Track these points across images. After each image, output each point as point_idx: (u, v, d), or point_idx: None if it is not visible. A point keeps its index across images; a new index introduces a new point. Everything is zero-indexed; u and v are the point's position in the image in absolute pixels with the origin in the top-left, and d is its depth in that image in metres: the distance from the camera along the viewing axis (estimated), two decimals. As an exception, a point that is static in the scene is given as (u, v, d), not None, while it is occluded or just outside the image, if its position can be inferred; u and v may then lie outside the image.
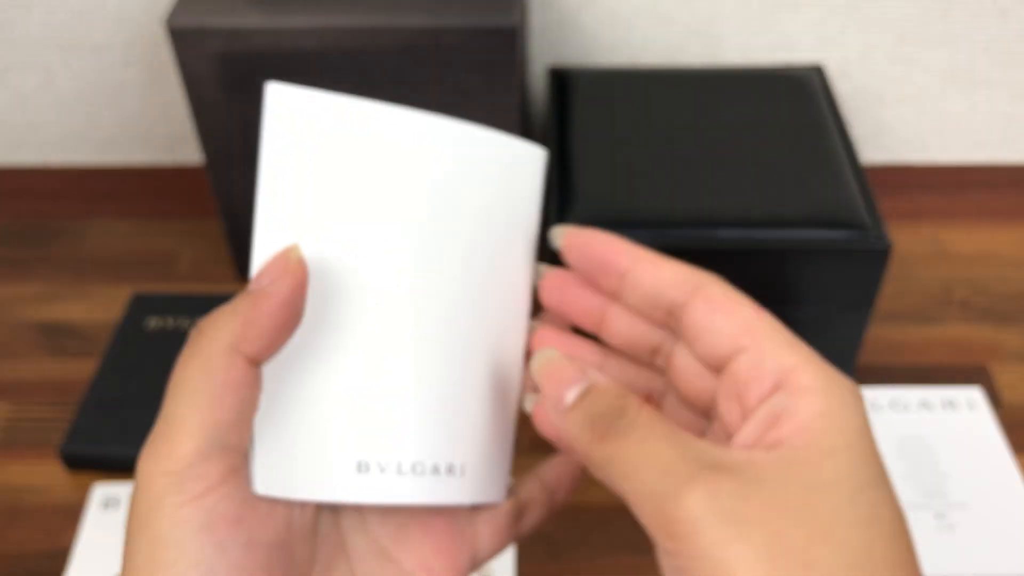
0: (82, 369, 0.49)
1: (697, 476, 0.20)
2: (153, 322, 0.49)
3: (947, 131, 0.61)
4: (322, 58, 0.44)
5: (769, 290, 0.43)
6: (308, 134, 0.25)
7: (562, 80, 0.51)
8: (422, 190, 0.26)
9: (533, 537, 0.41)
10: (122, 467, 0.44)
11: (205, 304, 0.50)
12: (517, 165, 0.28)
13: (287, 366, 0.24)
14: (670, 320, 0.26)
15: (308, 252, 0.24)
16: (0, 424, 0.46)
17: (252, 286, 0.23)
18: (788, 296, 0.43)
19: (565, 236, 0.27)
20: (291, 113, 0.25)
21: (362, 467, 0.24)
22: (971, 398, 0.46)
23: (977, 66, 0.58)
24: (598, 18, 0.56)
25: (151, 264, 0.55)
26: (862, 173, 0.44)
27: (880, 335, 0.50)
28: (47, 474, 0.44)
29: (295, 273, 0.23)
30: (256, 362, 0.22)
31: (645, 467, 0.21)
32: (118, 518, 0.42)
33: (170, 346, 0.48)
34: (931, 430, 0.44)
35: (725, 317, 0.24)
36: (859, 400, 0.22)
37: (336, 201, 0.25)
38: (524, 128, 0.48)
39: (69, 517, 0.42)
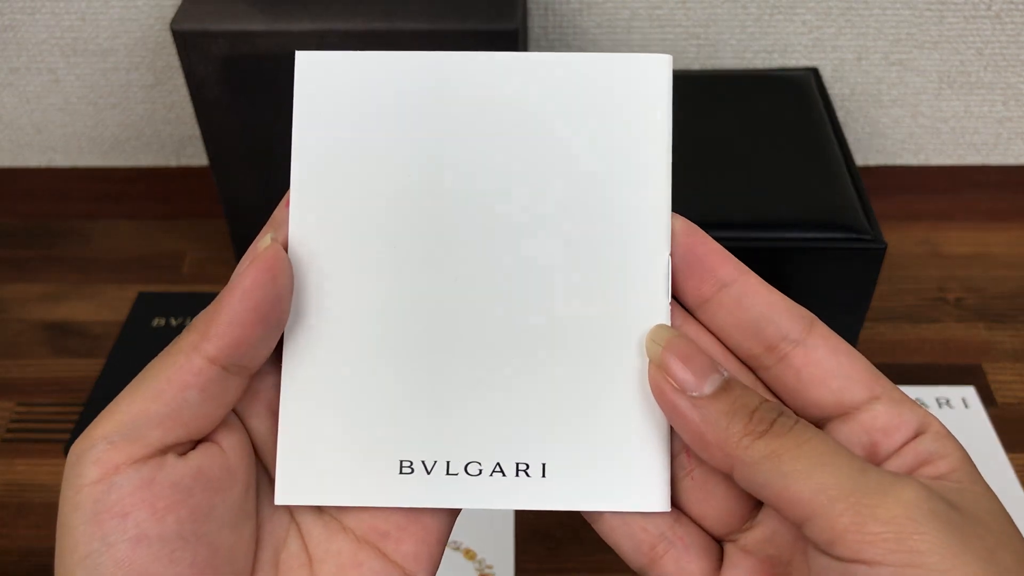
0: (88, 368, 0.49)
1: (900, 477, 0.19)
2: (158, 322, 0.49)
3: (941, 133, 0.61)
4: (325, 62, 0.44)
5: (765, 290, 0.43)
6: (343, 97, 0.22)
7: (561, 83, 0.51)
8: (494, 141, 0.22)
9: (532, 532, 0.41)
10: (128, 464, 0.44)
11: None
12: (628, 89, 0.23)
13: (312, 360, 0.22)
14: (764, 355, 0.22)
15: (345, 231, 0.22)
16: (7, 422, 0.47)
17: (232, 283, 0.21)
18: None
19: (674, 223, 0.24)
20: (323, 79, 0.22)
21: (404, 467, 0.22)
22: (965, 397, 0.46)
23: (971, 69, 0.58)
24: (597, 22, 0.57)
25: (157, 264, 0.56)
26: (857, 175, 0.45)
27: (875, 335, 0.50)
28: (54, 471, 0.44)
29: (275, 272, 0.21)
30: (218, 362, 0.20)
31: (828, 465, 0.19)
32: (124, 515, 0.42)
33: (175, 345, 0.48)
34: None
35: (852, 363, 0.21)
36: None
37: (383, 170, 0.22)
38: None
39: (75, 514, 0.43)
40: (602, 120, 0.22)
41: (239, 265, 0.22)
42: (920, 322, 0.51)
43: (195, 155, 0.63)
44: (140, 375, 0.21)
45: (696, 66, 0.58)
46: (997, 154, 0.62)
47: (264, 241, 0.22)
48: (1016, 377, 0.48)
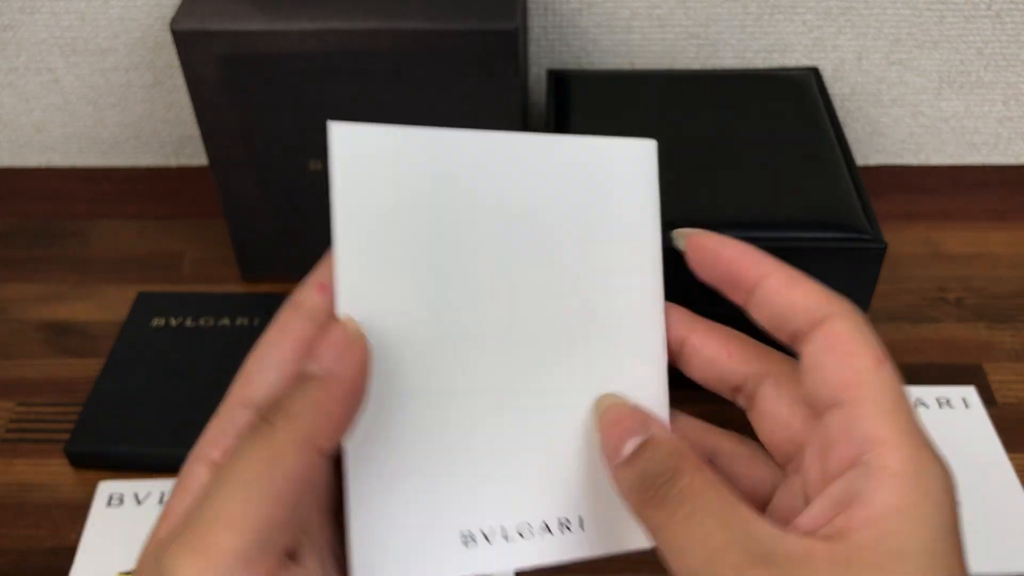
0: (87, 368, 0.49)
1: (745, 570, 0.19)
2: (158, 322, 0.49)
3: (942, 133, 0.61)
4: (324, 60, 0.44)
5: (765, 290, 0.43)
6: (380, 171, 0.24)
7: (561, 82, 0.51)
8: (513, 216, 0.24)
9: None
10: (127, 465, 0.44)
11: (210, 304, 0.51)
12: (620, 168, 0.26)
13: (372, 443, 0.22)
14: (794, 346, 0.23)
15: (391, 304, 0.23)
16: (6, 422, 0.47)
17: (314, 367, 0.20)
18: (784, 296, 0.43)
19: (689, 239, 0.25)
20: (359, 151, 0.25)
21: (466, 538, 0.23)
22: (965, 397, 0.46)
23: (971, 68, 0.58)
24: (597, 21, 0.57)
25: (156, 264, 0.56)
26: (857, 174, 0.45)
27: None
28: (53, 472, 0.44)
29: (359, 351, 0.21)
30: (326, 453, 0.20)
31: (691, 548, 0.20)
32: (124, 515, 0.42)
33: (175, 345, 0.48)
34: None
35: (837, 361, 0.22)
36: (949, 491, 0.20)
37: (421, 240, 0.23)
38: (524, 129, 0.49)
39: (75, 514, 0.42)
40: (598, 198, 0.26)
41: (327, 350, 0.21)
42: (920, 322, 0.51)
43: (195, 155, 0.63)
44: (236, 472, 0.19)
45: (696, 66, 0.58)
46: (997, 154, 0.62)
47: (354, 326, 0.22)
48: (1016, 377, 0.48)
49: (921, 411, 0.46)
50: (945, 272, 0.54)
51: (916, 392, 0.47)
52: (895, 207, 0.58)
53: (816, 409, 0.22)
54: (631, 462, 0.22)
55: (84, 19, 0.57)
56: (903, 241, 0.56)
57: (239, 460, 0.20)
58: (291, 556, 0.20)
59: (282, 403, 0.20)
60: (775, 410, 0.24)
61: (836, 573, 0.18)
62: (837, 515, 0.20)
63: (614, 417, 0.23)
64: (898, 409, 0.21)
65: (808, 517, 0.21)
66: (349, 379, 0.20)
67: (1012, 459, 0.44)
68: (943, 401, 0.46)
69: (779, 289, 0.24)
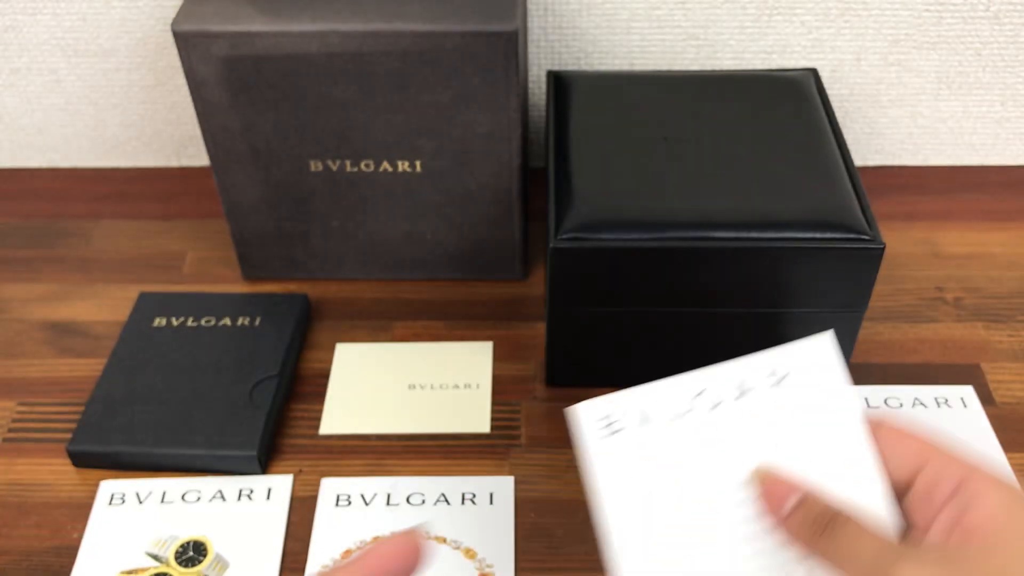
0: (89, 368, 0.49)
1: (905, 554, 0.27)
2: (159, 321, 0.50)
3: (940, 133, 0.62)
4: (325, 62, 0.45)
5: (764, 290, 0.43)
6: (628, 440, 0.30)
7: (561, 83, 0.52)
8: (731, 441, 0.30)
9: (532, 531, 0.41)
10: (129, 464, 0.44)
11: (211, 304, 0.51)
12: (807, 367, 0.31)
13: None
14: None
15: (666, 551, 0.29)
16: (9, 422, 0.47)
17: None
18: (783, 296, 0.44)
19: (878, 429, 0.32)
20: (603, 425, 0.30)
21: None
22: (964, 396, 0.47)
23: (969, 69, 0.59)
24: (596, 23, 0.57)
25: (157, 264, 0.56)
26: (856, 175, 0.45)
27: (873, 334, 0.50)
28: (55, 471, 0.44)
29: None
30: None
31: (861, 551, 0.28)
32: (125, 514, 0.42)
33: (176, 345, 0.48)
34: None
35: (909, 442, 0.30)
36: (1017, 493, 0.28)
37: (671, 488, 0.30)
38: (524, 130, 0.49)
39: (77, 513, 0.43)
40: (798, 400, 0.31)
41: None
42: (919, 322, 0.51)
43: (196, 155, 0.63)
44: None
45: (695, 67, 0.59)
46: (995, 154, 0.62)
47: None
48: (1014, 377, 0.48)
49: (919, 411, 0.46)
50: (943, 272, 0.54)
51: (914, 392, 0.47)
52: (893, 207, 0.58)
53: (905, 483, 0.30)
54: (799, 510, 0.30)
55: (86, 20, 0.57)
56: (901, 241, 0.56)
57: None
58: None
59: None
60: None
61: (973, 554, 0.26)
62: (956, 525, 0.27)
63: (771, 483, 0.30)
64: (967, 457, 0.29)
65: (933, 533, 0.28)
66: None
67: (1011, 458, 0.44)
68: (941, 401, 0.46)
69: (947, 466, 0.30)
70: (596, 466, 0.29)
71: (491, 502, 0.42)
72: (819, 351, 0.31)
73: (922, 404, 0.46)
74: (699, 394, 0.31)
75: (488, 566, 0.40)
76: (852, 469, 0.30)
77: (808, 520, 0.29)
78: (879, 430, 0.31)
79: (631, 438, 0.30)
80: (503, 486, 0.43)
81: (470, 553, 0.41)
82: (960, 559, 0.26)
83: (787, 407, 0.30)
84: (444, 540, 0.41)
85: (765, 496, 0.30)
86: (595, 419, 0.30)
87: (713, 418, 0.30)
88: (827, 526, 0.29)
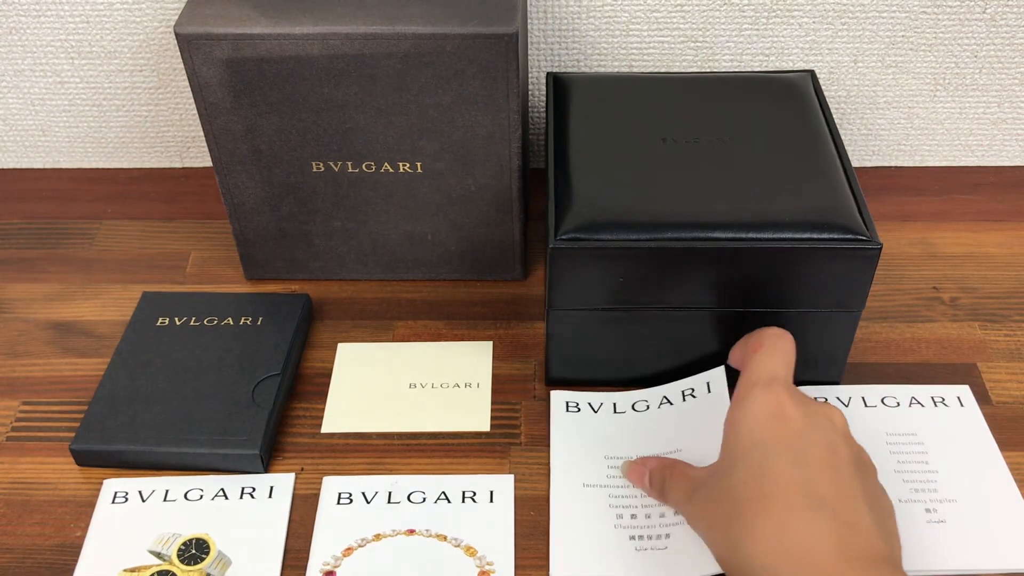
0: (92, 367, 0.50)
1: (700, 481, 0.38)
2: (162, 321, 0.50)
3: (936, 134, 0.62)
4: (327, 64, 0.45)
5: (762, 291, 0.44)
6: (582, 418, 0.47)
7: (561, 85, 0.52)
8: None
9: (532, 529, 0.42)
10: (132, 463, 0.44)
11: (214, 303, 0.51)
12: (713, 388, 0.45)
13: None
14: None
15: None
16: (12, 421, 0.47)
17: None
18: (781, 296, 0.44)
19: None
20: (566, 407, 0.47)
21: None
22: (960, 395, 0.47)
23: (966, 71, 0.59)
24: (596, 25, 0.57)
25: (161, 264, 0.56)
26: (853, 176, 0.45)
27: (870, 334, 0.51)
28: (58, 470, 0.45)
29: None
30: None
31: (681, 490, 0.39)
32: (128, 513, 0.43)
33: (179, 345, 0.49)
34: (921, 426, 0.45)
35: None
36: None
37: None
38: (524, 132, 0.50)
39: (80, 512, 0.43)
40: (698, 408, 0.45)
41: None
42: (915, 322, 0.52)
43: (199, 157, 0.64)
44: None
45: (694, 69, 0.59)
46: (991, 155, 0.63)
47: None
48: (1010, 376, 0.48)
49: (916, 410, 0.46)
50: (940, 272, 0.55)
51: (911, 391, 0.47)
52: (890, 208, 0.59)
53: None
54: (651, 480, 0.41)
55: (89, 22, 0.57)
56: (898, 242, 0.56)
57: None
58: None
59: None
60: None
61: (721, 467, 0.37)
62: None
63: (629, 467, 0.43)
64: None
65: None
66: None
67: (1007, 457, 0.44)
68: (938, 400, 0.47)
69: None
70: (554, 428, 0.45)
71: (491, 500, 0.43)
72: (716, 378, 0.45)
73: (919, 403, 0.46)
74: (635, 402, 0.47)
75: (488, 564, 0.40)
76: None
77: (656, 483, 0.40)
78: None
79: (583, 417, 0.46)
80: (503, 484, 0.43)
81: (470, 551, 0.41)
82: (715, 475, 0.37)
83: (688, 412, 0.45)
84: (444, 538, 0.41)
85: (630, 478, 0.42)
86: (563, 401, 0.46)
87: (640, 415, 0.46)
88: (664, 482, 0.40)
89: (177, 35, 0.44)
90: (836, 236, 0.42)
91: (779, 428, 0.35)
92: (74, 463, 0.45)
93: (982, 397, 0.47)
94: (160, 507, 0.43)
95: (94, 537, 0.42)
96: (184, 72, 0.58)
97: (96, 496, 0.43)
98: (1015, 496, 0.42)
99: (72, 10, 0.57)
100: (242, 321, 0.50)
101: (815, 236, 0.42)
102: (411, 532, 0.42)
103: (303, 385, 0.49)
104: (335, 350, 0.50)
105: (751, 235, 0.42)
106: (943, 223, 0.58)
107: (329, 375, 0.49)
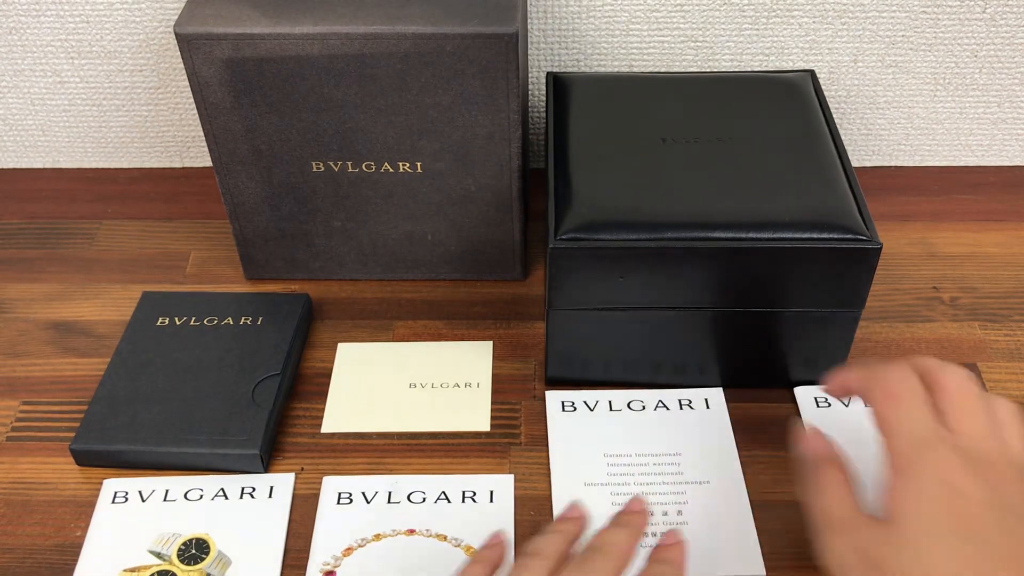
0: (92, 367, 0.50)
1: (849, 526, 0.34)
2: (162, 321, 0.50)
3: (936, 134, 0.62)
4: (327, 64, 0.45)
5: (762, 290, 0.44)
6: (577, 417, 0.46)
7: (561, 85, 0.52)
8: None
9: (532, 530, 0.42)
10: (132, 463, 0.44)
11: (214, 303, 0.51)
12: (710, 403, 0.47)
13: None
14: None
15: None
16: (12, 421, 0.47)
17: None
18: (781, 296, 0.44)
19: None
20: (562, 405, 0.46)
21: None
22: None
23: (966, 71, 0.59)
24: (596, 25, 0.57)
25: (161, 264, 0.56)
26: (853, 176, 0.45)
27: (870, 334, 0.51)
28: (58, 470, 0.45)
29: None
30: None
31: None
32: (128, 513, 0.43)
33: (179, 345, 0.49)
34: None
35: None
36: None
37: None
38: (524, 132, 0.50)
39: (80, 512, 0.43)
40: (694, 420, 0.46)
41: None
42: (915, 321, 0.52)
43: (199, 156, 0.64)
44: None
45: (694, 68, 0.59)
46: (991, 155, 0.63)
47: None
48: (1010, 376, 0.48)
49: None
50: (940, 272, 0.55)
51: None
52: (890, 208, 0.59)
53: None
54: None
55: (89, 22, 0.57)
56: (898, 241, 0.56)
57: None
58: None
59: None
60: None
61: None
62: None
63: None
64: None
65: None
66: None
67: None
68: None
69: None
70: (552, 428, 0.45)
71: (491, 500, 0.43)
72: (713, 395, 0.47)
73: None
74: (631, 401, 0.46)
75: (488, 563, 0.40)
76: (720, 470, 0.43)
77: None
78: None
79: (579, 416, 0.46)
80: (503, 484, 0.43)
81: (470, 550, 0.41)
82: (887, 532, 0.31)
83: (686, 422, 0.46)
84: (444, 538, 0.41)
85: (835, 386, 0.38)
86: (559, 400, 0.46)
87: (637, 415, 0.46)
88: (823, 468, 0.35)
89: (177, 35, 0.44)
90: (836, 236, 0.42)
91: (953, 506, 0.30)
92: (74, 463, 0.45)
93: (982, 397, 0.47)
94: (160, 507, 0.43)
95: (94, 537, 0.42)
96: (184, 72, 0.58)
97: (96, 496, 0.43)
98: None
99: (72, 10, 0.57)
100: (242, 321, 0.50)
101: (815, 236, 0.42)
102: (411, 532, 0.42)
103: (303, 385, 0.49)
104: (335, 350, 0.50)
105: (751, 235, 0.42)
106: (943, 223, 0.58)
107: (329, 375, 0.49)
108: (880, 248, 0.42)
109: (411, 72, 0.45)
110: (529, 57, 0.58)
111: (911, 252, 0.56)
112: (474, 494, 0.43)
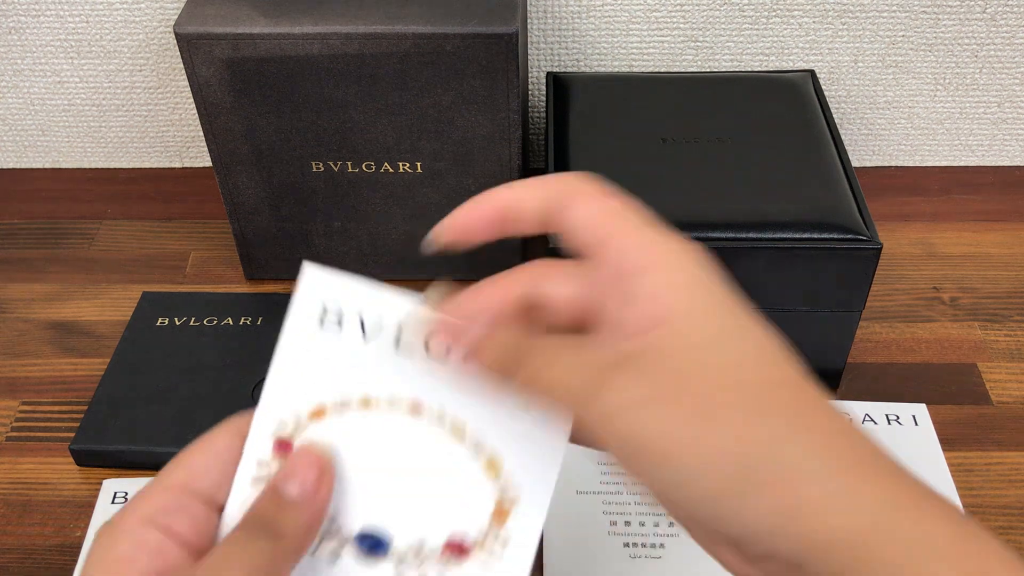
0: (92, 367, 0.50)
1: (606, 373, 0.22)
2: (162, 321, 0.50)
3: (937, 134, 0.62)
4: (327, 63, 0.45)
5: (762, 290, 0.44)
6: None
7: (560, 85, 0.52)
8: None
9: None
10: (132, 463, 0.44)
11: (213, 303, 0.51)
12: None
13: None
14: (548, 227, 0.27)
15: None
16: (12, 421, 0.47)
17: (293, 490, 0.25)
18: (781, 296, 0.44)
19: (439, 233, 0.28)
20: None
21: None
22: (915, 414, 0.45)
23: (966, 71, 0.59)
24: (596, 25, 0.57)
25: (160, 265, 0.56)
26: (853, 176, 0.45)
27: (870, 334, 0.51)
28: (58, 470, 0.45)
29: (330, 478, 0.25)
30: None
31: (558, 386, 0.23)
32: (128, 512, 0.43)
33: (179, 345, 0.49)
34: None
35: (593, 211, 0.26)
36: (692, 258, 0.25)
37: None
38: (524, 132, 0.50)
39: (79, 512, 0.43)
40: None
41: (293, 465, 0.26)
42: (915, 321, 0.51)
43: (198, 156, 0.64)
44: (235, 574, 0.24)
45: (694, 68, 0.59)
46: (992, 155, 0.63)
47: (239, 417, 0.28)
48: (1011, 376, 0.48)
49: (870, 427, 0.44)
50: (940, 272, 0.55)
51: (865, 408, 0.45)
52: (890, 208, 0.59)
53: (589, 253, 0.26)
54: (484, 353, 0.25)
55: (89, 22, 0.57)
56: (898, 241, 0.56)
57: (236, 567, 0.23)
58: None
59: (271, 524, 0.24)
60: (558, 292, 0.27)
61: (664, 347, 0.22)
62: (641, 317, 0.23)
63: (454, 307, 0.26)
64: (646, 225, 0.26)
65: (626, 328, 0.24)
66: (322, 504, 0.25)
67: (1006, 457, 0.44)
68: (892, 418, 0.45)
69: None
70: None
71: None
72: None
73: (872, 421, 0.45)
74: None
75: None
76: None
77: (495, 360, 0.25)
78: (576, 198, 0.26)
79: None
80: (503, 484, 0.43)
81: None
82: (653, 359, 0.22)
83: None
84: None
85: (447, 338, 0.26)
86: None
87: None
88: (524, 354, 0.24)
89: (177, 35, 0.44)
90: (836, 236, 0.42)
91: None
92: (74, 463, 0.45)
93: (982, 398, 0.47)
94: (160, 507, 0.43)
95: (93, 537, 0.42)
96: (184, 72, 0.58)
97: (96, 496, 0.43)
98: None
99: (71, 10, 0.57)
100: (242, 321, 0.50)
101: (815, 236, 0.42)
102: None
103: (303, 385, 0.49)
104: (335, 350, 0.50)
105: (751, 235, 0.42)
106: (943, 223, 0.58)
107: (329, 375, 0.49)
108: (880, 248, 0.42)
109: (411, 72, 0.45)
110: (529, 57, 0.58)
111: (911, 252, 0.56)
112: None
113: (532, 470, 0.26)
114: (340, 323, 0.27)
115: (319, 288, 0.27)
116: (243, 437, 0.27)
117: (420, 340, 0.27)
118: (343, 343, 0.27)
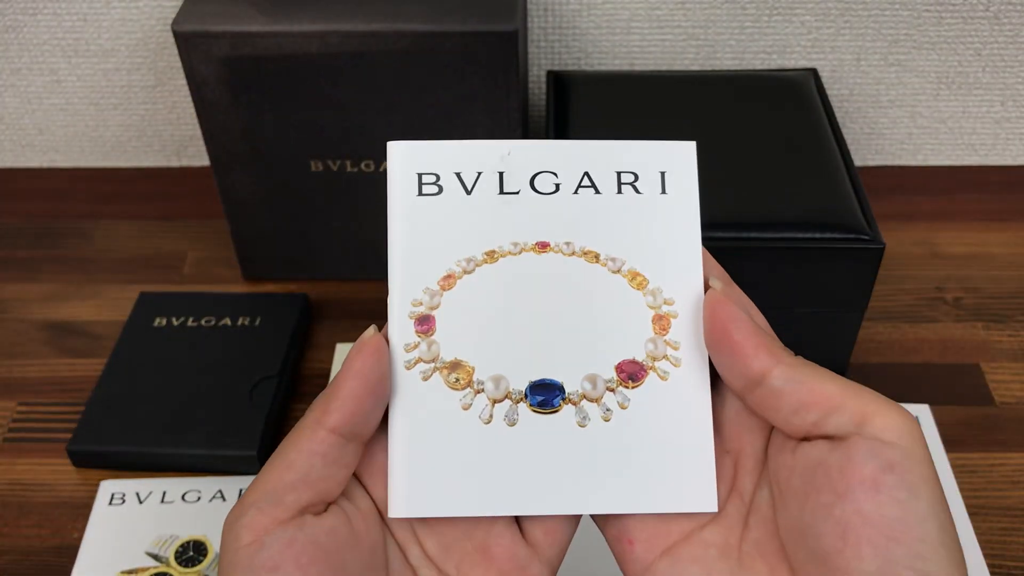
0: (89, 368, 0.49)
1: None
2: (159, 321, 0.50)
3: (939, 134, 0.62)
4: (326, 61, 0.45)
5: (764, 290, 0.43)
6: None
7: (561, 83, 0.52)
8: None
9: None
10: (129, 464, 0.44)
11: (211, 304, 0.51)
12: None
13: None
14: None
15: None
16: (9, 422, 0.47)
17: (348, 367, 0.25)
18: (783, 296, 0.44)
19: (710, 298, 0.25)
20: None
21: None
22: (919, 415, 0.45)
23: (969, 69, 0.59)
24: (596, 23, 0.57)
25: (158, 264, 0.56)
26: (855, 175, 0.45)
27: (873, 334, 0.50)
28: (55, 471, 0.45)
29: (369, 350, 0.25)
30: (337, 432, 0.24)
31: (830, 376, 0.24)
32: (125, 514, 0.42)
33: (176, 345, 0.48)
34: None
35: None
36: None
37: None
38: (524, 130, 0.49)
39: (77, 513, 0.43)
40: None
41: (350, 352, 0.25)
42: (918, 322, 0.51)
43: (196, 156, 0.63)
44: (277, 449, 0.25)
45: (695, 67, 0.59)
46: (995, 154, 0.62)
47: (369, 332, 0.26)
48: (1014, 377, 0.48)
49: None
50: (943, 272, 0.54)
51: None
52: (893, 207, 0.58)
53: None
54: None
55: (86, 20, 0.57)
56: (901, 241, 0.56)
57: (283, 442, 0.25)
58: (317, 514, 0.24)
59: (317, 397, 0.25)
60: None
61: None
62: None
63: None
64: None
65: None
66: (367, 374, 0.25)
67: (1010, 459, 0.44)
68: None
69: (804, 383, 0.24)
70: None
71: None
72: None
73: None
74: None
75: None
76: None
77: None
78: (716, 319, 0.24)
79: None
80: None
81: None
82: None
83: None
84: None
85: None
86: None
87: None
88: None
89: (175, 33, 0.44)
90: (838, 235, 0.42)
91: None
92: (71, 464, 0.45)
93: (985, 398, 0.47)
94: (157, 508, 0.43)
95: (91, 539, 0.41)
96: (182, 70, 0.58)
97: (93, 497, 0.43)
98: (966, 523, 0.40)
99: (69, 8, 0.57)
100: (240, 321, 0.50)
101: (817, 235, 0.42)
102: None
103: (301, 386, 0.48)
104: (334, 350, 0.50)
105: (752, 234, 0.42)
106: (946, 223, 0.58)
107: (327, 376, 0.49)
108: (883, 248, 0.42)
109: (410, 70, 0.45)
110: (529, 55, 0.58)
111: (914, 252, 0.56)
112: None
113: (676, 268, 0.26)
114: (439, 185, 0.27)
115: (408, 159, 0.27)
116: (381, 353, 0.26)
117: (526, 178, 0.27)
118: (449, 203, 0.27)
